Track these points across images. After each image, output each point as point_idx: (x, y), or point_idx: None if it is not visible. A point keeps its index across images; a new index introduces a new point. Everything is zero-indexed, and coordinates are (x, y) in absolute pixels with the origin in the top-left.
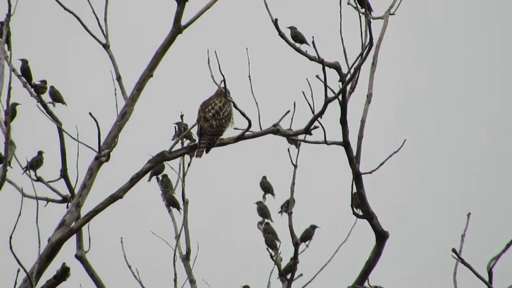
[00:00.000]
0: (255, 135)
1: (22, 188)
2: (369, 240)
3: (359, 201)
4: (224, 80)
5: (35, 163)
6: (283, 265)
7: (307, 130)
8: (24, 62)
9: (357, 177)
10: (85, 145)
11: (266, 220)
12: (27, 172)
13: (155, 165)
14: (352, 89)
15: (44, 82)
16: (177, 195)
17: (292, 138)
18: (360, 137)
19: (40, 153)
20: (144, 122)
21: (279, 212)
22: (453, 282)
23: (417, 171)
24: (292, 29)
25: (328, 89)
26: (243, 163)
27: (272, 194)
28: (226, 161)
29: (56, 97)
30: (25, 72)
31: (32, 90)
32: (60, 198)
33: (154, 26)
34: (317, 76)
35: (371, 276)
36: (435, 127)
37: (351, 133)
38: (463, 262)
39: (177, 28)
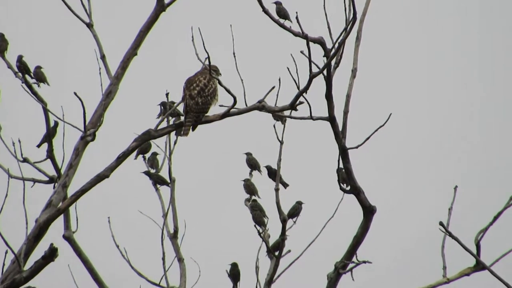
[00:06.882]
0: (241, 112)
1: (8, 169)
2: (356, 215)
3: (345, 176)
4: (208, 57)
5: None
6: (271, 241)
7: (293, 106)
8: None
9: (343, 152)
10: (70, 125)
11: (254, 197)
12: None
13: (141, 144)
14: (337, 64)
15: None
16: (164, 173)
17: (278, 114)
18: (345, 112)
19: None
20: (129, 100)
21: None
22: (441, 255)
23: (403, 145)
24: (277, 4)
25: (312, 64)
26: (229, 140)
27: (259, 170)
28: (212, 139)
29: (40, 77)
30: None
31: (17, 70)
32: (46, 178)
33: (138, 4)
34: (301, 52)
35: (359, 251)
36: (420, 100)
37: (337, 108)
38: (450, 235)
39: (161, 6)
